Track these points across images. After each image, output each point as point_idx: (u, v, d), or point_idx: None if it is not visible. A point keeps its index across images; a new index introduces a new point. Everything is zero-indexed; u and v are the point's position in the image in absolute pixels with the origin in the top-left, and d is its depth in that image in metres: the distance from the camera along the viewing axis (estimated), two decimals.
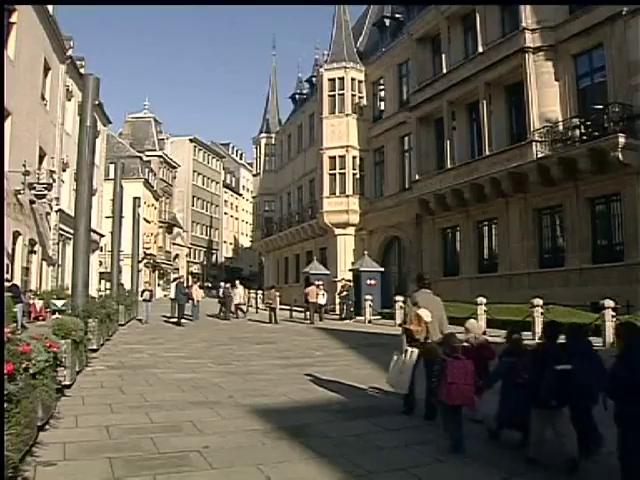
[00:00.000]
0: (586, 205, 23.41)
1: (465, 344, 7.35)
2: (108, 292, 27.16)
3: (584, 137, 22.70)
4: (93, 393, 9.45)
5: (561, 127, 23.90)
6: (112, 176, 29.44)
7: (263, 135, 56.16)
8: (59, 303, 20.69)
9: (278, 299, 29.46)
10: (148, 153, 68.97)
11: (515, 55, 25.59)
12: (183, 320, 25.60)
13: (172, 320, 26.32)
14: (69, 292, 16.88)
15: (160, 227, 70.45)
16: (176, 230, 76.41)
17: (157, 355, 15.07)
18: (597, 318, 17.24)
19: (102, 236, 39.54)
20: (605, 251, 22.72)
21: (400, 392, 8.28)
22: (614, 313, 16.63)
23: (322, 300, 28.83)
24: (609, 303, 16.64)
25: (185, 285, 29.31)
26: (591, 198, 23.34)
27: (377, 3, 42.67)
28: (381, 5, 41.42)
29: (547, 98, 24.75)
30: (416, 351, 7.94)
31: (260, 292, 42.14)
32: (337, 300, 31.91)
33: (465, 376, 6.45)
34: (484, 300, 21.66)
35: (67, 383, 9.17)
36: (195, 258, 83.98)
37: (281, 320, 28.68)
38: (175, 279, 32.88)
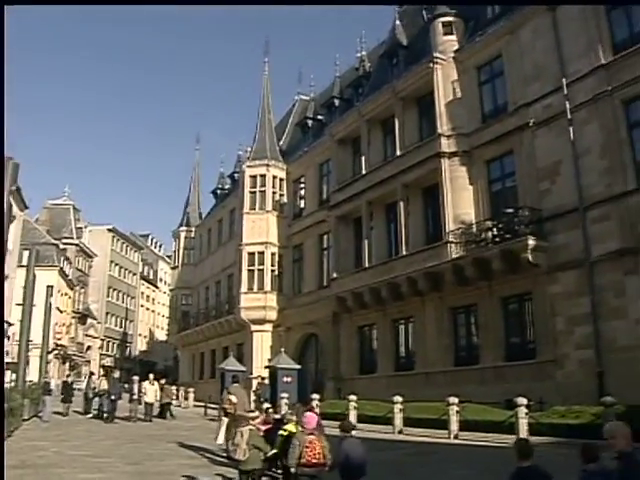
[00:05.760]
0: (499, 304, 23.97)
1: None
2: (13, 384, 25.79)
3: (496, 239, 23.48)
4: None
5: (475, 229, 24.70)
6: (26, 262, 28.53)
7: (183, 228, 56.13)
8: None
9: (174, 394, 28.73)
10: (65, 241, 67.76)
11: (431, 159, 26.57)
12: (89, 416, 24.68)
13: (88, 416, 25.51)
14: None
15: (73, 317, 68.42)
16: (90, 321, 74.36)
17: (62, 453, 14.27)
18: (511, 415, 17.42)
19: (10, 325, 37.93)
20: (518, 349, 23.14)
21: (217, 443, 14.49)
22: (527, 410, 16.84)
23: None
24: (522, 401, 16.84)
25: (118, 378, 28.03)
26: (504, 297, 23.94)
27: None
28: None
29: (462, 201, 25.64)
30: (225, 420, 13.84)
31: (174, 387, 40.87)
32: (252, 397, 31.19)
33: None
34: (400, 399, 21.49)
35: None
36: (108, 350, 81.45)
37: (197, 417, 27.77)
38: (91, 373, 31.78)
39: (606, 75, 20.79)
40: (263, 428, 11.66)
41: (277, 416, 13.09)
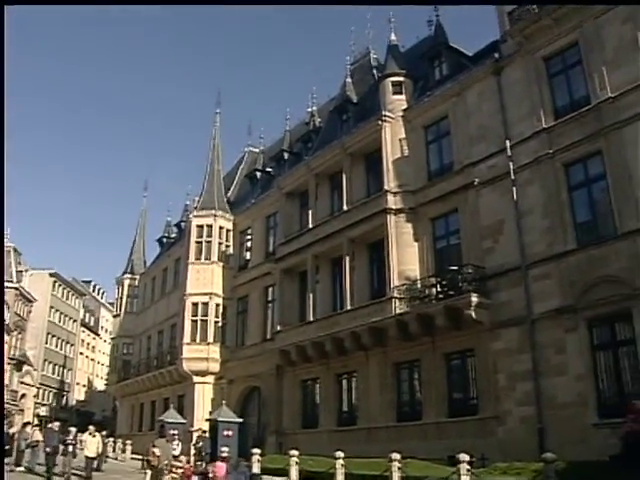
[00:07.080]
0: (442, 360, 24.05)
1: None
2: None
3: (440, 295, 23.68)
4: None
5: (419, 285, 24.85)
6: None
7: (127, 276, 55.28)
8: None
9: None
10: (4, 284, 65.57)
11: (378, 215, 26.84)
12: (20, 469, 23.68)
13: (18, 469, 24.49)
14: None
15: (8, 364, 65.69)
16: (25, 368, 71.61)
17: None
18: (453, 472, 17.32)
19: None
20: (461, 405, 23.20)
21: None
22: (469, 467, 16.78)
23: (177, 451, 27.44)
24: (464, 457, 16.79)
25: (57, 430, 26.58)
26: (447, 353, 24.06)
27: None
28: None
29: (407, 257, 25.88)
30: (149, 472, 14.80)
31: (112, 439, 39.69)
32: (192, 451, 30.49)
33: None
34: (342, 454, 21.09)
35: None
36: (44, 399, 78.15)
37: (134, 470, 26.95)
38: (26, 423, 30.49)
39: (548, 138, 21.58)
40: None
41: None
